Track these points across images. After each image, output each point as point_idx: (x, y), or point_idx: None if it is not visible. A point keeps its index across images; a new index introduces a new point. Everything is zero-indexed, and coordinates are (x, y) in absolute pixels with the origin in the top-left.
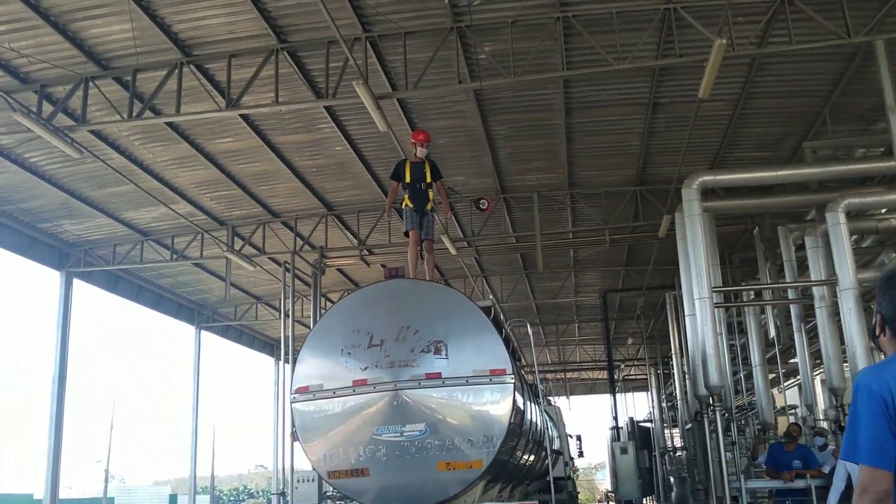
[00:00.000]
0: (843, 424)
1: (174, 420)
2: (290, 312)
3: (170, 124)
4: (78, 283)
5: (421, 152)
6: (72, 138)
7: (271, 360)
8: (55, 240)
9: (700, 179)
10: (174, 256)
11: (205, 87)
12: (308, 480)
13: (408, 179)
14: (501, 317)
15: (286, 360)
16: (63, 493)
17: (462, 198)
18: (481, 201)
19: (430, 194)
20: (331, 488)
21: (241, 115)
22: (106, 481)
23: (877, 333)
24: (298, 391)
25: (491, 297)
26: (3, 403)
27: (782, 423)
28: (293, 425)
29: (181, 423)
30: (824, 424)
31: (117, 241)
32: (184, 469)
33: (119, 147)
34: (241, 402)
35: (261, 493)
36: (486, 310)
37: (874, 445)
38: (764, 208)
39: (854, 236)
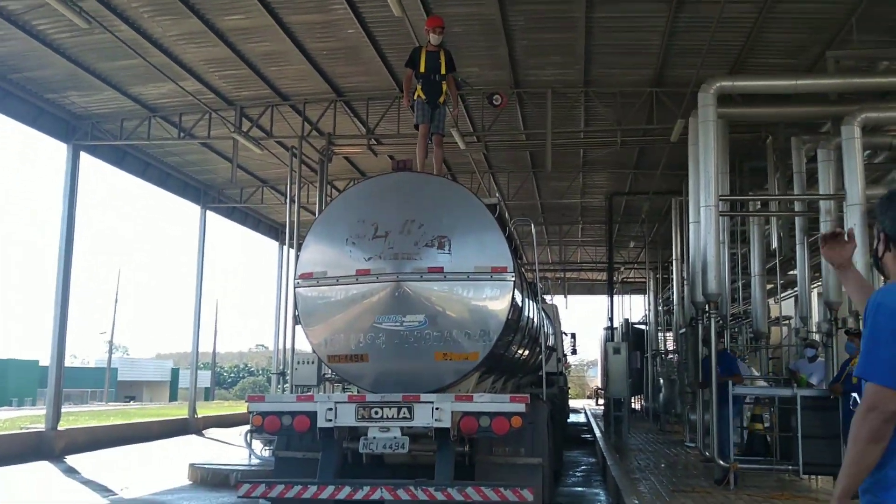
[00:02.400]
0: (833, 336)
1: (178, 296)
2: (296, 198)
3: None
4: (85, 157)
5: (435, 39)
6: (80, 7)
7: (276, 243)
8: (62, 111)
9: (717, 84)
10: (181, 135)
11: None
12: (308, 363)
13: (422, 69)
14: (506, 215)
15: (290, 245)
16: (67, 362)
17: (474, 90)
18: (494, 97)
19: (444, 87)
20: (329, 371)
21: None
22: (110, 352)
23: (880, 254)
24: (302, 277)
25: (497, 194)
26: (11, 273)
27: (775, 333)
28: (296, 309)
29: (185, 299)
30: (816, 337)
31: (125, 116)
32: (186, 343)
33: (128, 18)
34: (243, 282)
35: (260, 372)
36: (492, 207)
37: (893, 365)
38: (780, 117)
39: (867, 151)
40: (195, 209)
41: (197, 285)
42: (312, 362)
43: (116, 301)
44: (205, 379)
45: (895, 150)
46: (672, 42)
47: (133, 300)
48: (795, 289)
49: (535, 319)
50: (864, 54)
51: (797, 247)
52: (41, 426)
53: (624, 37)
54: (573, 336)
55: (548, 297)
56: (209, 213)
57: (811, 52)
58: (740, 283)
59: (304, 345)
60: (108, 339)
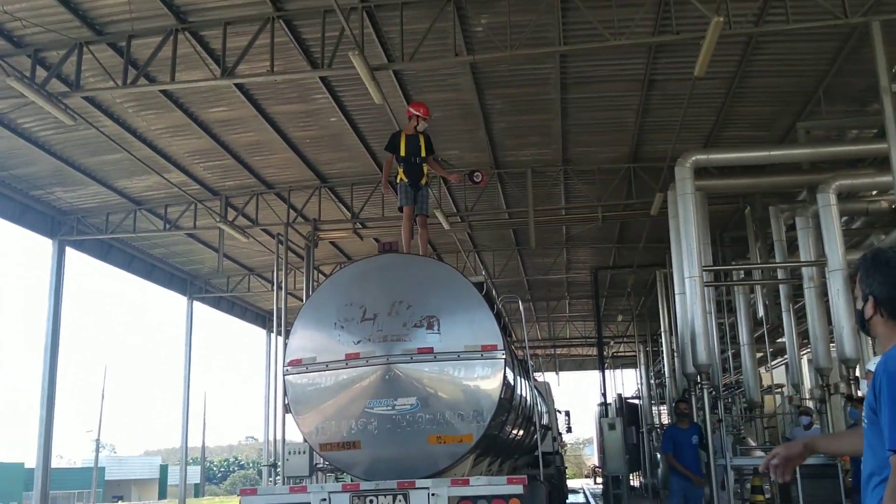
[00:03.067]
0: (826, 402)
1: (165, 390)
2: (283, 284)
3: (164, 92)
4: (70, 252)
5: (421, 126)
6: (65, 104)
7: (263, 332)
8: (48, 207)
9: (693, 158)
10: (167, 226)
11: (199, 55)
12: (299, 452)
13: (403, 153)
14: (493, 293)
15: (278, 332)
16: (53, 463)
17: (456, 171)
18: (475, 174)
19: (425, 168)
20: (322, 460)
21: (236, 84)
22: (97, 450)
23: (867, 317)
24: (291, 364)
25: (483, 272)
26: None
27: (769, 402)
28: (286, 398)
29: (172, 393)
30: (810, 404)
31: (110, 210)
32: (174, 439)
33: (113, 114)
34: (231, 373)
35: (251, 465)
36: (479, 285)
37: None
38: (756, 188)
39: (844, 217)
40: (182, 300)
41: (185, 378)
42: (304, 452)
43: (103, 399)
44: (194, 474)
45: (872, 216)
46: (646, 119)
47: (119, 395)
48: (785, 356)
49: (528, 398)
50: (833, 124)
51: (783, 314)
52: None
53: (599, 116)
54: (567, 414)
55: (539, 375)
56: (196, 304)
57: (782, 124)
58: (730, 353)
59: (294, 435)
60: (94, 438)
